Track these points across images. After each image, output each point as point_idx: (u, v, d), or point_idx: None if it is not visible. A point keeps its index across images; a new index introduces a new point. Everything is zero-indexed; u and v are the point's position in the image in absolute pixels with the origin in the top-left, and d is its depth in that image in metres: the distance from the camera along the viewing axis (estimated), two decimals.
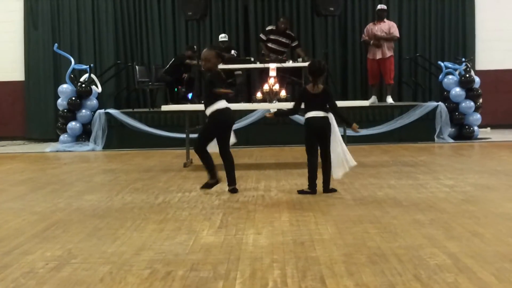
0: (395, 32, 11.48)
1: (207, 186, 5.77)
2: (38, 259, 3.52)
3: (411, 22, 13.21)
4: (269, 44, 11.52)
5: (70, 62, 11.43)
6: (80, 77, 11.64)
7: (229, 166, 5.71)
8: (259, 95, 7.82)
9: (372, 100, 11.43)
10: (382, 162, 7.98)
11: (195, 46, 12.13)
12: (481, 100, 11.27)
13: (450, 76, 11.23)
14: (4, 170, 8.31)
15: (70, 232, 4.22)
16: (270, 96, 7.59)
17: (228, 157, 5.71)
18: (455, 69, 11.27)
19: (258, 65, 10.91)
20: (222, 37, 12.09)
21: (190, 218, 4.60)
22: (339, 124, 5.79)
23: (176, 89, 11.74)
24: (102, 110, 11.09)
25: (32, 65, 13.22)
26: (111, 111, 11.13)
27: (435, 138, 10.72)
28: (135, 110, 11.58)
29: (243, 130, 10.59)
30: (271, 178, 6.69)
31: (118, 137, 10.97)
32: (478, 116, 11.16)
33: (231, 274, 3.14)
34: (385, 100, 11.76)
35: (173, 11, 13.15)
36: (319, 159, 5.59)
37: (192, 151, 6.14)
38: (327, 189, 5.55)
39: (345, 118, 5.68)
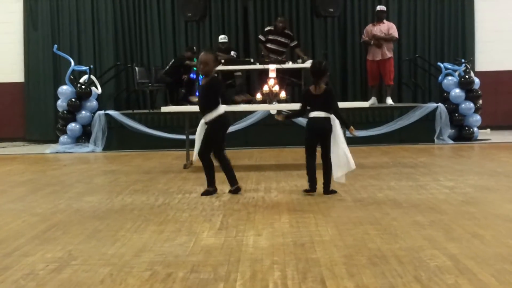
0: (394, 32, 11.49)
1: (208, 193, 5.75)
2: (38, 261, 3.52)
3: (411, 23, 13.22)
4: (268, 45, 11.52)
5: (70, 63, 11.43)
6: (80, 78, 11.65)
7: (228, 167, 5.74)
8: (258, 96, 7.83)
9: (372, 101, 11.44)
10: (382, 163, 7.98)
11: (194, 47, 12.13)
12: (480, 101, 11.27)
13: (450, 77, 11.24)
14: (4, 171, 8.31)
15: (70, 234, 4.22)
16: (270, 97, 7.59)
17: (225, 158, 5.75)
18: (455, 70, 11.28)
19: (258, 66, 10.92)
20: (222, 38, 12.09)
21: (190, 220, 4.60)
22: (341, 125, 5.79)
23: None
24: (102, 112, 11.09)
25: (32, 66, 13.22)
26: (111, 112, 11.13)
27: (435, 139, 10.72)
28: (135, 111, 11.57)
29: (242, 131, 10.62)
30: (271, 179, 6.69)
31: (118, 139, 10.97)
32: (478, 117, 11.16)
33: (232, 276, 3.14)
34: (384, 101, 11.76)
35: (173, 12, 13.16)
36: (320, 160, 5.59)
37: (192, 152, 6.14)
38: (327, 190, 5.54)
39: (344, 119, 5.68)
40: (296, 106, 6.15)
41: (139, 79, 11.73)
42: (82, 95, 11.25)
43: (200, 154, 5.80)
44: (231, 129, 10.23)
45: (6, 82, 13.31)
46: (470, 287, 2.89)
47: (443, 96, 11.30)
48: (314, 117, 5.53)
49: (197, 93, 9.69)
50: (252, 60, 11.36)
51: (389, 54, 11.45)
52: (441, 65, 11.50)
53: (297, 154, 9.06)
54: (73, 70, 11.50)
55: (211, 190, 5.74)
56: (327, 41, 13.16)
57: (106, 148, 10.85)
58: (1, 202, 5.69)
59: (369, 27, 11.68)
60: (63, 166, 8.81)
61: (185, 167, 7.85)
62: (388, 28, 11.47)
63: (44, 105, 13.02)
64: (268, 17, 13.02)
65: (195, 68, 11.47)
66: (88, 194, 5.94)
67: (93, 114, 11.16)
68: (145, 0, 13.16)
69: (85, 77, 11.52)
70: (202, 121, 5.98)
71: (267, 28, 11.77)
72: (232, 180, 5.74)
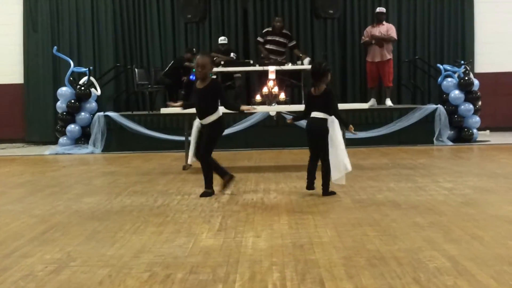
0: (393, 34, 11.50)
1: (207, 195, 5.75)
2: (37, 262, 3.52)
3: (410, 25, 13.24)
4: (267, 46, 11.54)
5: (70, 64, 11.44)
6: (80, 79, 11.66)
7: (211, 170, 5.78)
8: (258, 97, 7.82)
9: (371, 103, 11.45)
10: (381, 164, 7.98)
11: (194, 49, 12.15)
12: (480, 103, 11.29)
13: (449, 79, 11.25)
14: (3, 172, 8.31)
15: (69, 235, 4.21)
16: (270, 99, 7.59)
17: (212, 162, 5.78)
18: (454, 72, 11.30)
19: (257, 67, 10.92)
20: (222, 39, 12.10)
21: (190, 221, 4.59)
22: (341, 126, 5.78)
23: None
24: (101, 113, 11.10)
25: (31, 67, 13.23)
26: (110, 113, 11.13)
27: (434, 141, 10.72)
28: (134, 112, 11.57)
29: (242, 132, 10.62)
30: (270, 180, 6.69)
31: (117, 140, 10.97)
32: (477, 118, 11.17)
33: (230, 277, 3.14)
34: (384, 103, 11.77)
35: (173, 14, 13.17)
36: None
37: (191, 154, 6.14)
38: (326, 192, 5.54)
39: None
40: (296, 107, 6.19)
41: (138, 81, 11.74)
42: (82, 97, 11.26)
43: (201, 156, 5.79)
44: (231, 130, 10.30)
45: (6, 83, 13.33)
46: None
47: (442, 98, 11.31)
48: (311, 118, 5.55)
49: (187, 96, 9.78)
50: (251, 62, 11.37)
51: (388, 56, 11.47)
52: (441, 66, 11.52)
53: (297, 155, 9.07)
54: (73, 72, 11.51)
55: (209, 191, 5.74)
56: (327, 43, 13.18)
57: (106, 149, 10.85)
58: (0, 203, 5.69)
59: (369, 28, 11.73)
60: (62, 168, 8.81)
61: (184, 168, 7.84)
62: (387, 29, 11.49)
63: (44, 107, 13.03)
64: (268, 19, 13.03)
65: (194, 70, 11.47)
66: (87, 196, 5.94)
67: (92, 116, 11.16)
68: (145, 1, 13.19)
69: (85, 78, 11.52)
70: (197, 124, 5.98)
71: (265, 30, 11.80)
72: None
